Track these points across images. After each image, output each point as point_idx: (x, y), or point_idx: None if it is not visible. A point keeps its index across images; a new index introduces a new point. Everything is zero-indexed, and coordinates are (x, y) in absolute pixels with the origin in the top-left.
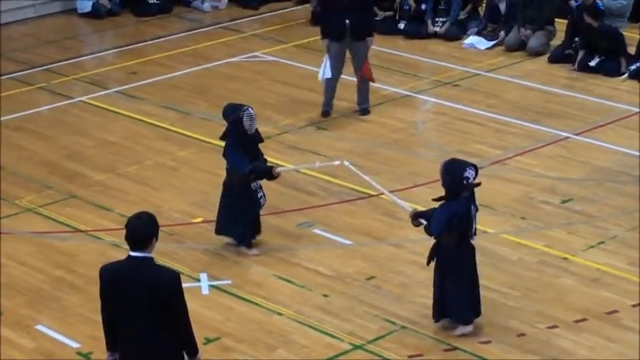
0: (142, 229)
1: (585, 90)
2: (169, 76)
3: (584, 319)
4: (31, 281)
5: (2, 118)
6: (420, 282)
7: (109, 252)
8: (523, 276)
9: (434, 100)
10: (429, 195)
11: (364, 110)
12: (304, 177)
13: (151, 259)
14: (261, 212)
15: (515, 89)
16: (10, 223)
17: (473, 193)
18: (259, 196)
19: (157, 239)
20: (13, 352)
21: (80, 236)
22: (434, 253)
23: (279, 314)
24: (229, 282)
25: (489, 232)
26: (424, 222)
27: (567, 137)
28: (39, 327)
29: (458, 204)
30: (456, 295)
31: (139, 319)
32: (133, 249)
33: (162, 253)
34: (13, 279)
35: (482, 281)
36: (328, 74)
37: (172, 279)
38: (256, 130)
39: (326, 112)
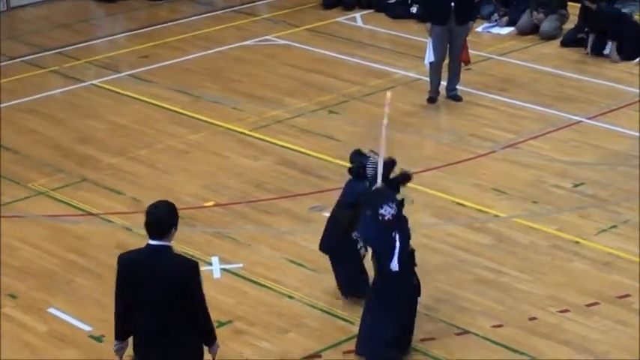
0: (162, 219)
1: (598, 74)
2: (181, 59)
3: (595, 303)
4: (43, 264)
5: (14, 102)
6: (432, 266)
7: (121, 235)
8: (535, 260)
9: (444, 83)
10: (441, 179)
11: (456, 97)
12: (316, 160)
13: (170, 247)
14: (273, 195)
15: (527, 73)
16: (22, 206)
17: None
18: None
19: (176, 229)
20: (26, 335)
21: (92, 219)
22: None
23: (291, 297)
24: (241, 265)
25: (501, 216)
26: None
27: (580, 121)
28: (51, 310)
29: (373, 229)
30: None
31: (156, 307)
32: (152, 237)
33: (175, 238)
34: (26, 262)
35: (494, 265)
36: (432, 58)
37: (191, 268)
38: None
39: (432, 99)
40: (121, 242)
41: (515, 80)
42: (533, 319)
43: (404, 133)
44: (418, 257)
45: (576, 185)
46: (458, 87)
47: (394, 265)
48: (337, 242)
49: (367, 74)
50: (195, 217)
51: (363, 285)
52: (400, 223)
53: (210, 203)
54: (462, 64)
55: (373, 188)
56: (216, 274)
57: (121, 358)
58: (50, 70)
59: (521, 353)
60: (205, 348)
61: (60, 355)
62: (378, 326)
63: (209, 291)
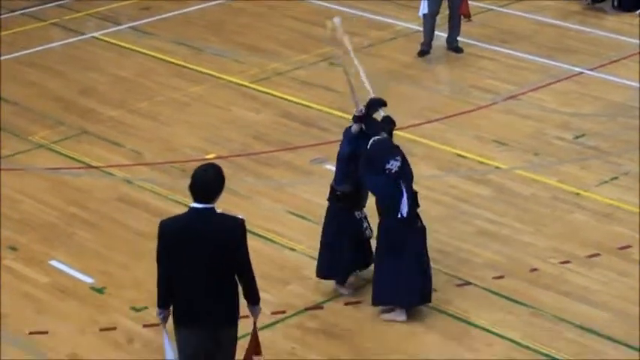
0: (211, 183)
1: (599, 25)
2: (182, 11)
3: (596, 254)
4: (44, 217)
5: (15, 54)
6: (433, 217)
7: (122, 187)
8: (536, 211)
9: (447, 35)
10: (443, 131)
11: (458, 48)
12: (317, 113)
13: (214, 209)
14: (274, 148)
15: (528, 24)
16: (23, 159)
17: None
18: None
19: (221, 193)
20: (27, 287)
21: (93, 172)
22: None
23: (292, 250)
24: (242, 218)
25: (502, 167)
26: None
27: (581, 72)
28: (53, 262)
29: (379, 179)
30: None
31: (203, 270)
32: (197, 201)
33: (175, 190)
34: (27, 215)
35: (495, 217)
36: (425, 10)
37: (239, 226)
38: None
39: (423, 52)
40: (121, 194)
41: (515, 32)
42: (534, 270)
43: (404, 85)
44: (420, 209)
45: (577, 137)
46: (459, 39)
47: (404, 212)
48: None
49: (368, 26)
50: None
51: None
52: (404, 168)
53: (212, 155)
54: (462, 17)
55: (374, 140)
56: None
57: (164, 325)
58: (51, 22)
59: (523, 304)
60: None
61: (61, 307)
62: (393, 274)
63: None
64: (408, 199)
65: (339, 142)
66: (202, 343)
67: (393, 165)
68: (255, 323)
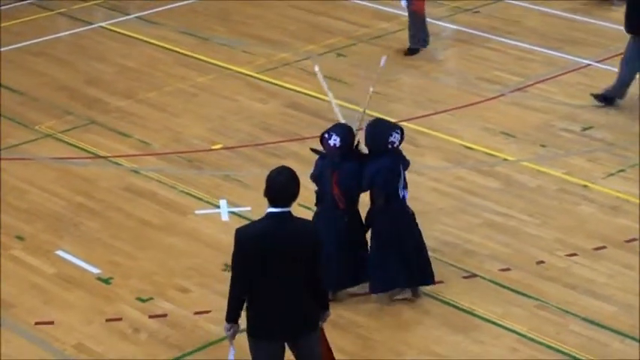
0: (289, 187)
1: (606, 17)
2: (189, 1)
3: (603, 247)
4: (51, 207)
5: (22, 44)
6: (440, 209)
7: (129, 178)
8: (543, 203)
9: (454, 26)
10: (450, 122)
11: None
12: (324, 103)
13: (291, 213)
14: (281, 138)
15: (536, 16)
16: (30, 148)
17: (400, 151)
18: None
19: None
20: (34, 277)
21: (100, 162)
22: (369, 218)
23: None
24: (249, 208)
25: (509, 159)
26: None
27: (589, 64)
28: (59, 252)
29: (383, 161)
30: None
31: (284, 276)
32: (274, 205)
33: (182, 180)
34: (34, 205)
35: (502, 209)
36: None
37: (316, 230)
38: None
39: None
40: (128, 185)
41: (523, 23)
42: (540, 262)
43: (412, 77)
44: (427, 200)
45: (585, 129)
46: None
47: (406, 193)
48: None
49: (375, 17)
50: (204, 160)
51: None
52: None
53: (219, 146)
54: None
55: (371, 121)
56: (224, 217)
57: (232, 341)
58: (58, 12)
59: (529, 297)
60: None
61: (68, 297)
62: (389, 262)
63: (217, 234)
64: (404, 179)
65: None
66: (281, 353)
67: (395, 138)
68: (322, 328)
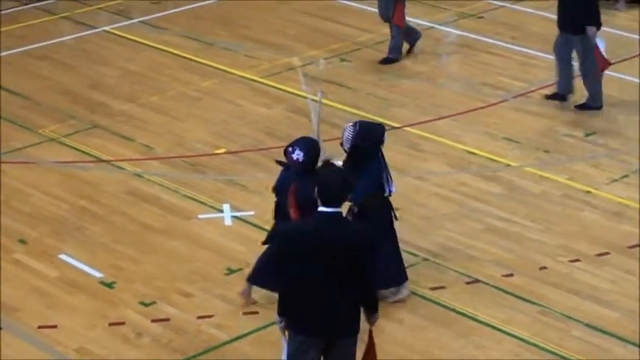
0: (340, 186)
1: (610, 23)
2: (192, 6)
3: (606, 253)
4: (54, 211)
5: (26, 48)
6: (443, 215)
7: (132, 182)
8: (546, 209)
9: (458, 32)
10: (454, 127)
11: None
12: (328, 109)
13: (341, 213)
14: (284, 143)
15: (539, 21)
16: (33, 152)
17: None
18: None
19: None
20: (37, 281)
21: (103, 166)
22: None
23: None
24: (252, 213)
25: (512, 165)
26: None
27: None
28: (62, 256)
29: (378, 163)
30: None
31: (327, 275)
32: (325, 205)
33: (185, 184)
34: (37, 208)
35: (505, 214)
36: None
37: (368, 232)
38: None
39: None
40: (132, 189)
41: (527, 28)
42: (543, 268)
43: (415, 82)
44: (430, 206)
45: (588, 135)
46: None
47: (393, 188)
48: None
49: (380, 22)
50: (207, 165)
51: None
52: None
53: (222, 150)
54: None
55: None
56: (227, 222)
57: (285, 334)
58: (62, 16)
59: (531, 302)
60: None
61: (71, 301)
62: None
63: (220, 238)
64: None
65: None
66: (318, 352)
67: (384, 136)
68: (371, 331)
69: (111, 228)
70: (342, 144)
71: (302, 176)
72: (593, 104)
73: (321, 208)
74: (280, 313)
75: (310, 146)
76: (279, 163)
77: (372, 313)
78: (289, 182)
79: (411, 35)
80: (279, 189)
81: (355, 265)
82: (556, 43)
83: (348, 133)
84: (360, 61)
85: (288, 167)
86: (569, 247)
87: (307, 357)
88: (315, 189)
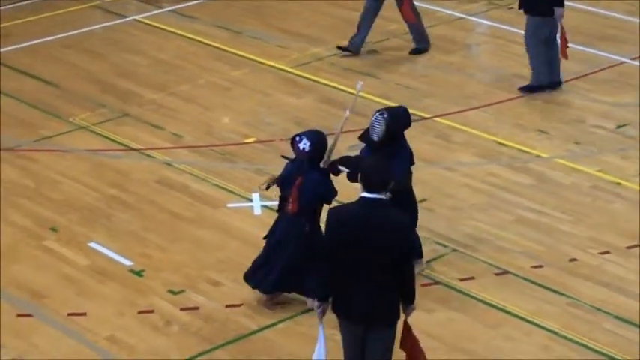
0: (384, 172)
1: None
2: None
3: (635, 245)
4: (84, 199)
5: (56, 36)
6: (472, 205)
7: (162, 171)
8: (576, 201)
9: (489, 22)
10: (484, 118)
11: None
12: (358, 99)
13: (385, 200)
14: None
15: (570, 12)
16: (64, 140)
17: None
18: None
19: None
20: (67, 269)
21: (133, 155)
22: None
23: None
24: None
25: (543, 156)
26: (344, 169)
27: (623, 62)
28: (92, 244)
29: (407, 146)
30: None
31: (370, 261)
32: (368, 190)
33: (214, 173)
34: (68, 196)
35: (535, 206)
36: None
37: (408, 223)
38: None
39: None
40: (161, 177)
41: None
42: (573, 260)
43: (446, 73)
44: (459, 196)
45: (619, 126)
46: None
47: None
48: None
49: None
50: (236, 154)
51: None
52: None
53: (251, 140)
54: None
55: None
56: (257, 211)
57: (322, 319)
58: (92, 4)
59: (561, 294)
60: None
61: (100, 289)
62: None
63: (249, 228)
64: None
65: None
66: (358, 338)
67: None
68: (406, 321)
69: (140, 216)
70: (364, 137)
71: (307, 169)
72: (539, 83)
73: (363, 194)
74: (320, 298)
75: (318, 138)
76: (284, 157)
77: (408, 304)
78: (293, 174)
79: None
80: (283, 181)
81: (394, 253)
82: (527, 31)
83: (379, 124)
84: (390, 52)
85: (293, 160)
86: (598, 239)
87: (347, 341)
88: (359, 175)
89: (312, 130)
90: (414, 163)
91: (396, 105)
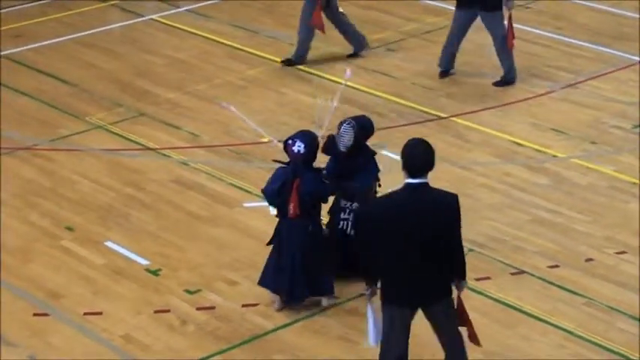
0: (429, 157)
1: None
2: None
3: None
4: (101, 198)
5: (74, 35)
6: (489, 205)
7: (178, 170)
8: (592, 201)
9: (504, 22)
10: (500, 118)
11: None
12: (374, 98)
13: (429, 183)
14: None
15: (586, 12)
16: (80, 140)
17: None
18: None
19: None
20: (83, 268)
21: (149, 154)
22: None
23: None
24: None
25: (559, 156)
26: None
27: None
28: (108, 243)
29: (373, 155)
30: None
31: (420, 244)
32: (412, 176)
33: (231, 172)
34: (84, 195)
35: (551, 206)
36: None
37: (456, 201)
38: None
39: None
40: (177, 177)
41: (573, 19)
42: (589, 260)
43: (462, 72)
44: (475, 196)
45: (635, 126)
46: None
47: None
48: None
49: (425, 11)
50: (252, 153)
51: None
52: None
53: (267, 139)
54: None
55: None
56: (273, 211)
57: (370, 301)
58: (110, 4)
59: (577, 294)
60: None
61: (117, 288)
62: None
63: (265, 227)
64: None
65: (397, 128)
66: (409, 319)
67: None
68: (459, 296)
69: (157, 216)
70: (328, 149)
71: (303, 170)
72: (510, 78)
73: (408, 180)
74: (368, 282)
75: (311, 139)
76: (276, 161)
77: (460, 280)
78: (289, 177)
79: (355, 39)
80: (281, 187)
81: (444, 233)
82: (459, 20)
83: (348, 135)
84: (405, 51)
85: (287, 163)
86: (615, 239)
87: (399, 328)
88: (402, 161)
89: (303, 131)
90: (378, 179)
91: (360, 115)
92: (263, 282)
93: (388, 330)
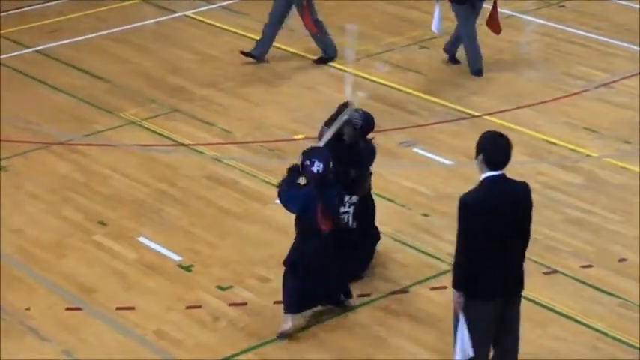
0: (508, 150)
1: None
2: None
3: None
4: (134, 193)
5: (107, 31)
6: None
7: (211, 166)
8: (626, 200)
9: (539, 20)
10: (533, 117)
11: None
12: (407, 96)
13: (505, 175)
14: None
15: (622, 11)
16: (114, 135)
17: None
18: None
19: None
20: (116, 263)
21: (182, 150)
22: None
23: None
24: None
25: (593, 155)
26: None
27: None
28: (141, 239)
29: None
30: None
31: (506, 236)
32: (492, 169)
33: (263, 169)
34: (117, 191)
35: (584, 205)
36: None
37: (529, 190)
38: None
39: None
40: (210, 173)
41: (610, 18)
42: (622, 260)
43: (495, 70)
44: None
45: None
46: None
47: None
48: None
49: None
50: (286, 150)
51: None
52: None
53: (301, 136)
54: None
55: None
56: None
57: (462, 308)
58: (144, 0)
59: (610, 294)
60: None
61: (149, 283)
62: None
63: None
64: None
65: (429, 126)
66: (494, 313)
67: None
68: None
69: (189, 212)
70: (332, 138)
71: (322, 188)
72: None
73: (487, 174)
74: (459, 288)
75: (326, 155)
76: (279, 185)
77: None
78: (312, 199)
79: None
80: (306, 209)
81: (523, 223)
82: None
83: (357, 122)
84: (439, 49)
85: (307, 184)
86: None
87: (485, 324)
88: (480, 156)
89: (314, 148)
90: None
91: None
92: (291, 309)
93: (476, 330)
